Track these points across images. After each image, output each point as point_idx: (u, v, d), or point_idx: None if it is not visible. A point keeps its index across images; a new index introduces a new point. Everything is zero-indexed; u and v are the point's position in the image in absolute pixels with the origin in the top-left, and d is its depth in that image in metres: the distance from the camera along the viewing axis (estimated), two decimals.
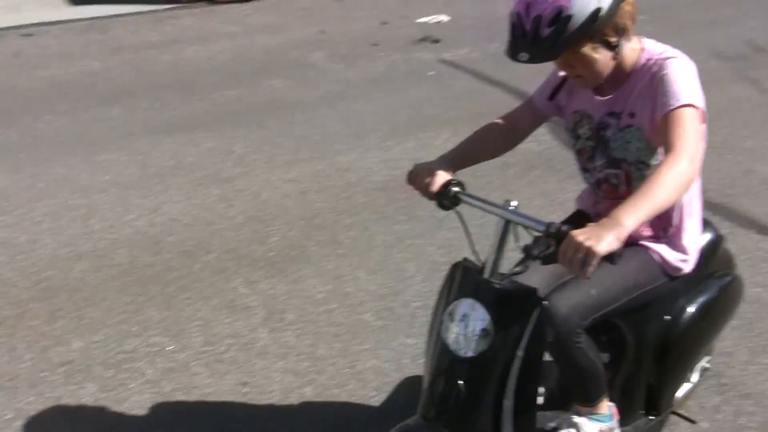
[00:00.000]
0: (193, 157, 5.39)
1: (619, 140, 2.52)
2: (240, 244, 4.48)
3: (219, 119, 5.99)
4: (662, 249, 2.62)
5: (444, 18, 8.33)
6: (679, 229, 2.62)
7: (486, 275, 2.40)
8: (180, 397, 3.35)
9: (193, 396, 3.35)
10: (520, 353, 2.42)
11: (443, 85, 6.79)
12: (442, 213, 4.44)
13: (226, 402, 3.33)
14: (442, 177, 2.46)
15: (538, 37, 2.23)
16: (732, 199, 5.02)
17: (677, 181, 2.15)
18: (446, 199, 2.49)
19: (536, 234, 2.20)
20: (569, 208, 2.89)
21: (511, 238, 2.36)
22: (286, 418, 3.25)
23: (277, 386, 3.42)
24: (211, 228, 4.61)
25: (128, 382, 3.42)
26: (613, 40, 2.30)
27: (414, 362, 3.50)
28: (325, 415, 3.29)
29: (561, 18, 2.20)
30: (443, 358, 2.46)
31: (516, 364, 2.42)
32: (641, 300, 2.61)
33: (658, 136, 2.33)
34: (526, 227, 2.30)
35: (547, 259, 2.20)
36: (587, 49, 2.29)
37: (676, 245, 2.63)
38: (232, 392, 3.38)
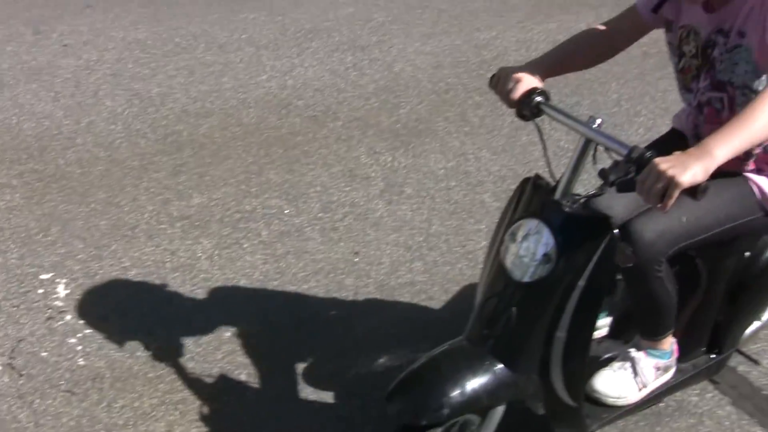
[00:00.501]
0: (331, 21, 5.28)
1: (726, 61, 2.25)
2: (368, 113, 4.38)
3: None
4: (763, 182, 2.37)
5: None
6: None
7: (557, 196, 2.19)
8: (291, 260, 3.34)
9: (303, 260, 3.34)
10: (581, 283, 2.22)
11: None
12: (574, 100, 4.21)
13: (336, 268, 3.30)
14: (526, 84, 2.20)
15: None
16: None
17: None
18: (527, 108, 2.24)
19: (617, 158, 2.00)
20: None
21: (590, 159, 2.14)
22: (392, 290, 3.20)
23: (387, 258, 3.37)
24: (341, 95, 4.53)
25: (243, 241, 3.43)
26: None
27: None
28: (431, 291, 3.22)
29: None
30: (498, 280, 2.29)
31: (575, 296, 2.23)
32: (731, 233, 2.38)
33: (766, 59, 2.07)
34: (607, 148, 2.08)
35: (624, 187, 2.01)
36: None
37: None
38: (343, 260, 3.35)
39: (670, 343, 2.54)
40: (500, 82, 2.26)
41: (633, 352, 2.53)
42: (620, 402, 2.51)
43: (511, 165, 4.00)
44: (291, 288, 3.18)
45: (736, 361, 2.87)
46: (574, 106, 4.44)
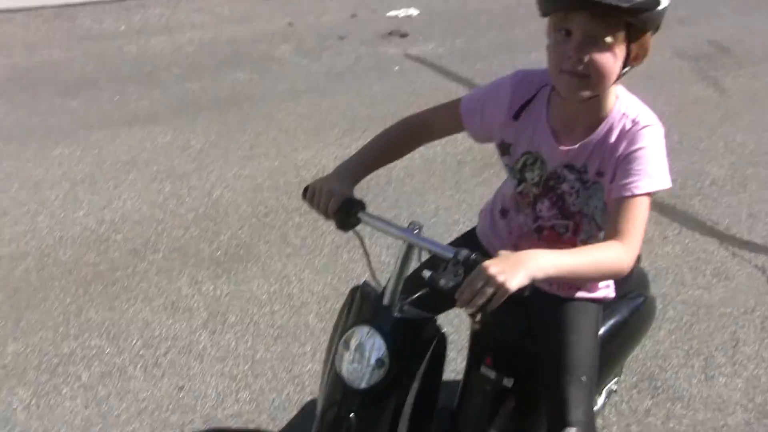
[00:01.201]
0: (148, 152, 5.26)
1: (581, 195, 2.26)
2: (188, 242, 4.37)
3: (179, 112, 5.86)
4: (591, 284, 2.46)
5: (414, 11, 8.21)
6: None
7: (385, 302, 2.22)
8: (114, 401, 3.26)
9: (126, 401, 3.27)
10: (415, 385, 2.25)
11: (407, 81, 6.69)
12: (395, 211, 4.35)
13: (161, 405, 3.24)
14: (340, 195, 2.21)
15: None
16: (682, 201, 4.96)
17: (611, 267, 2.03)
18: (345, 220, 2.27)
19: (443, 260, 1.99)
20: None
21: (413, 263, 2.19)
22: (219, 422, 3.17)
23: (213, 390, 3.36)
24: (160, 226, 4.50)
25: (62, 387, 3.34)
26: (633, 52, 2.02)
27: None
28: (259, 421, 3.21)
29: None
30: (336, 388, 2.28)
31: (411, 398, 2.26)
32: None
33: (606, 217, 2.16)
34: (431, 253, 2.12)
35: (452, 291, 1.94)
36: (623, 37, 1.97)
37: None
38: (167, 396, 3.30)
39: None
40: (315, 197, 2.24)
41: None
42: None
43: (334, 284, 4.07)
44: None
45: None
46: (393, 219, 4.57)
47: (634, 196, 2.05)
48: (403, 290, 2.20)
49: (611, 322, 2.63)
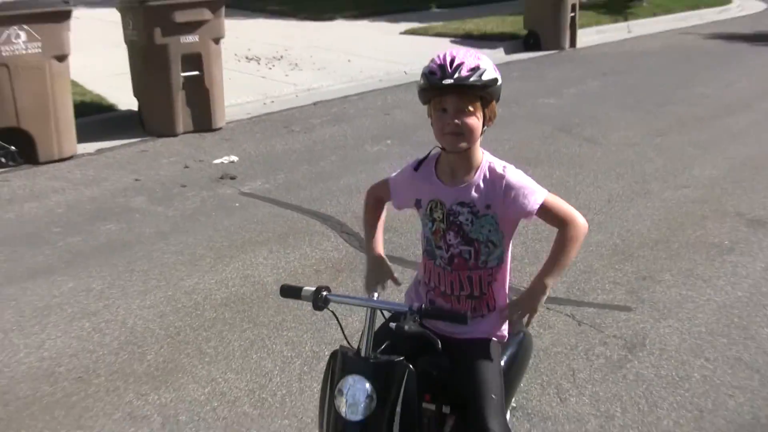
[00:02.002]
0: (58, 298, 5.94)
1: (475, 224, 3.08)
2: (122, 365, 5.10)
3: (71, 263, 6.55)
4: (491, 327, 3.24)
5: (234, 158, 9.22)
6: (496, 301, 3.24)
7: (363, 354, 2.89)
8: None
9: None
10: (398, 410, 2.87)
11: (249, 214, 7.63)
12: (280, 317, 5.33)
13: None
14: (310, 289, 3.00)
15: (460, 75, 2.87)
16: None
17: (582, 236, 3.07)
18: (318, 302, 2.97)
19: (402, 313, 2.85)
20: None
21: (377, 321, 2.97)
22: None
23: None
24: (93, 355, 5.20)
25: None
26: (487, 115, 2.98)
27: None
28: None
29: (477, 68, 2.91)
30: (338, 424, 2.86)
31: (397, 420, 2.87)
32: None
33: (547, 219, 3.13)
34: (391, 311, 3.03)
35: (415, 333, 2.83)
36: (479, 105, 2.94)
37: (497, 317, 3.25)
38: None
39: None
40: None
41: None
42: None
43: (254, 379, 4.92)
44: None
45: None
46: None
47: (542, 202, 3.04)
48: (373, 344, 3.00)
49: (507, 353, 3.33)
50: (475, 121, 2.96)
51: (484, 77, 2.95)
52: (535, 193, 3.06)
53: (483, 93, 2.96)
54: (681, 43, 17.43)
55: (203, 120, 10.01)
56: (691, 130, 10.58)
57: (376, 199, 3.46)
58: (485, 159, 3.12)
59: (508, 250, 3.24)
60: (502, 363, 3.27)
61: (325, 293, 2.98)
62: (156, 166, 8.92)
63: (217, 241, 7.00)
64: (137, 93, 9.93)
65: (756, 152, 9.65)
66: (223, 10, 9.78)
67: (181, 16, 9.36)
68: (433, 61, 3.03)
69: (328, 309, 3.01)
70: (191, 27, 9.51)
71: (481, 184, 3.08)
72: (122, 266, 6.48)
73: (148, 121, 9.85)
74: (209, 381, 4.94)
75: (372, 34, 17.06)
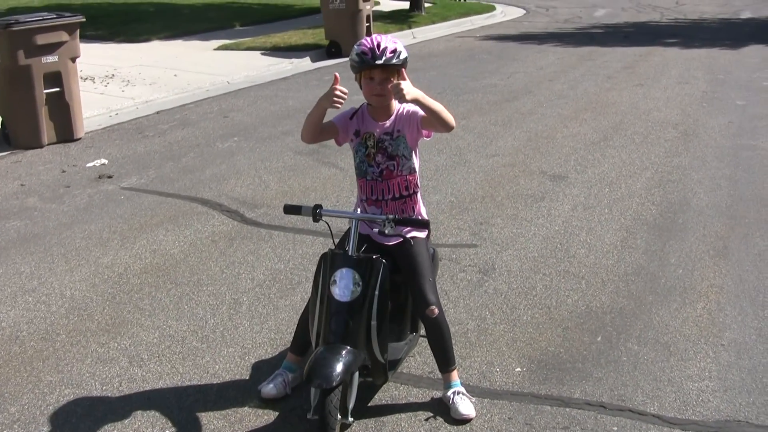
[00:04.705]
0: None
1: (394, 145, 4.05)
2: (76, 325, 5.56)
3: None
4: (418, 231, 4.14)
5: (104, 161, 9.50)
6: (416, 205, 4.17)
7: (350, 253, 3.66)
8: None
9: None
10: (376, 293, 3.59)
11: (136, 203, 8.02)
12: (197, 276, 5.89)
13: None
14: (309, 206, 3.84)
15: (386, 56, 3.80)
16: None
17: (448, 118, 3.87)
18: (317, 216, 3.74)
19: (380, 220, 3.65)
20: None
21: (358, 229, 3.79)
22: None
23: None
24: (47, 321, 5.62)
25: None
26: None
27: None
28: None
29: (396, 51, 3.86)
30: (332, 305, 3.52)
31: (375, 301, 3.57)
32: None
33: (425, 127, 4.01)
34: (371, 220, 3.83)
35: (392, 235, 3.71)
36: (396, 75, 3.90)
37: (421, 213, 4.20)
38: None
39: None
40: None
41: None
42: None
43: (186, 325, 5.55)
44: None
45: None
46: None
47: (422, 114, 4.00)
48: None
49: (430, 252, 4.21)
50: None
51: (401, 57, 3.95)
52: (419, 111, 4.01)
53: (399, 67, 3.97)
54: (461, 45, 19.01)
55: (65, 131, 10.22)
56: (489, 113, 11.93)
57: (322, 130, 4.14)
58: (396, 105, 4.15)
59: (416, 163, 4.18)
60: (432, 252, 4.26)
61: (319, 210, 3.73)
62: (35, 173, 9.08)
63: (116, 226, 7.41)
64: (2, 110, 9.99)
65: (544, 126, 11.11)
66: (78, 31, 10.03)
67: (42, 39, 9.55)
68: (362, 44, 3.96)
69: (323, 221, 3.79)
70: (51, 48, 9.71)
71: (396, 120, 4.11)
72: (41, 253, 6.80)
73: (14, 136, 9.95)
74: (156, 328, 5.50)
75: (189, 52, 17.37)
